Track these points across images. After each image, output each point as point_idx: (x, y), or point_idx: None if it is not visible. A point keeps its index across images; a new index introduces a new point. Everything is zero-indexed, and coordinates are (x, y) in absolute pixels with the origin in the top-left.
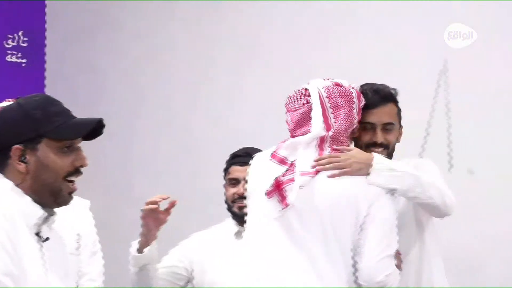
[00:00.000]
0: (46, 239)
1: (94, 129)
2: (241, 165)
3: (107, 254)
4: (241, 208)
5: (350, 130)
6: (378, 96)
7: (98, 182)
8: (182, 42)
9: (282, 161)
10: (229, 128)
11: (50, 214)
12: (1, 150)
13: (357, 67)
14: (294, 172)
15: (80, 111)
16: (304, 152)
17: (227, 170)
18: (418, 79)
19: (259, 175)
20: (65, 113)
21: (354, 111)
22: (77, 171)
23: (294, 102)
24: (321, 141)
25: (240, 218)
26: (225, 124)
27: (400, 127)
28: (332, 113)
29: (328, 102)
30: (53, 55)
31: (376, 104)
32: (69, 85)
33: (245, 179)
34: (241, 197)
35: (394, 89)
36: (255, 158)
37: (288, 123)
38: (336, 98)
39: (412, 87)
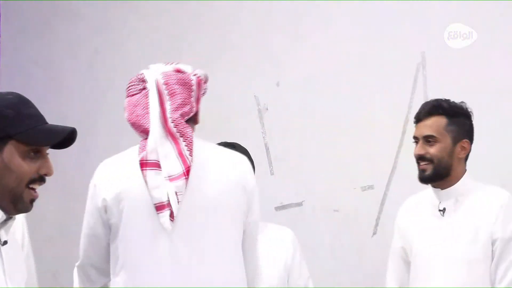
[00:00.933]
0: (5, 242)
1: (65, 138)
2: None
3: None
4: None
5: (187, 117)
6: (423, 110)
7: (55, 182)
8: (144, 35)
9: (157, 165)
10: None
11: (9, 217)
12: None
13: (327, 62)
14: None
15: (35, 104)
16: (163, 149)
17: None
18: (396, 74)
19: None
20: (38, 117)
21: (192, 99)
22: (40, 179)
23: (132, 87)
24: (171, 135)
25: None
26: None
27: (463, 141)
28: (169, 100)
29: (166, 89)
30: (8, 48)
31: (419, 118)
32: (24, 79)
33: None
34: None
35: (461, 103)
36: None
37: (125, 109)
38: (173, 85)
39: (390, 82)
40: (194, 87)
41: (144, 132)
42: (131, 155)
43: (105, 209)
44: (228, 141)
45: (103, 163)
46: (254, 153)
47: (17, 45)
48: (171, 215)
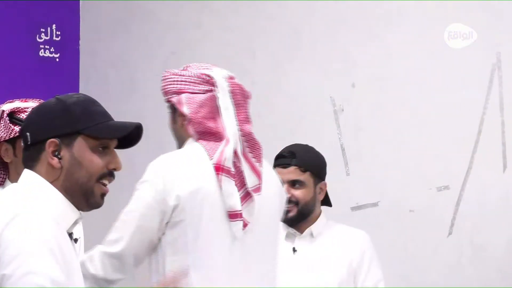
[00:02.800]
0: (76, 240)
1: (131, 135)
2: (282, 167)
3: None
4: (287, 211)
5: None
6: None
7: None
8: (218, 35)
9: (230, 173)
10: (268, 126)
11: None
12: (36, 143)
13: (401, 62)
14: (245, 187)
15: (112, 106)
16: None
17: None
18: (471, 74)
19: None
20: (104, 114)
21: (249, 113)
22: (110, 174)
23: (193, 84)
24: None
25: (288, 221)
26: (264, 122)
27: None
28: (235, 110)
29: (232, 97)
30: (87, 49)
31: None
32: (102, 79)
33: (288, 182)
34: (288, 201)
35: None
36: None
37: (181, 103)
38: (238, 95)
39: (465, 82)
40: (249, 101)
41: (206, 134)
42: (199, 156)
43: (175, 206)
44: (302, 143)
45: (166, 160)
46: (329, 153)
47: (95, 47)
48: (244, 226)
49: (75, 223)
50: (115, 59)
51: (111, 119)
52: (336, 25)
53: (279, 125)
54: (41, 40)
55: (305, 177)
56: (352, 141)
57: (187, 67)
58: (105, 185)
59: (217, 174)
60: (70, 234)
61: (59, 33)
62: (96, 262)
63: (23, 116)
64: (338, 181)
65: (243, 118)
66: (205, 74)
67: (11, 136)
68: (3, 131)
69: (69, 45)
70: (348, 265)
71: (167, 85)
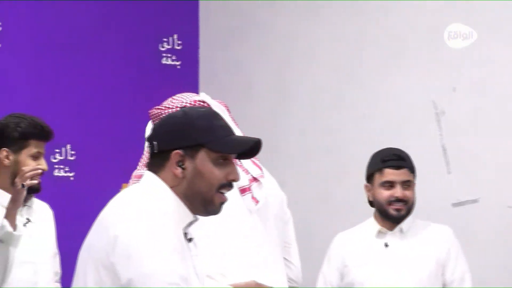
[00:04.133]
0: (190, 240)
1: (251, 148)
2: (395, 168)
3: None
4: (398, 210)
5: None
6: None
7: None
8: (328, 43)
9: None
10: (373, 128)
11: (195, 218)
12: (162, 153)
13: (501, 66)
14: (250, 174)
15: (230, 111)
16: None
17: (378, 172)
18: None
19: None
20: (227, 128)
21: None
22: (229, 184)
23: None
24: None
25: (398, 218)
26: (369, 124)
27: None
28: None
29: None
30: (206, 57)
31: None
32: (220, 85)
33: (401, 182)
34: (398, 199)
35: None
36: None
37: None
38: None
39: None
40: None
41: None
42: None
43: None
44: (395, 147)
45: None
46: (430, 153)
47: (214, 55)
48: (255, 201)
49: (190, 224)
50: (232, 66)
51: (232, 133)
52: (437, 32)
53: (383, 126)
54: (164, 49)
55: (412, 178)
56: (452, 141)
57: (175, 99)
58: (223, 194)
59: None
60: (185, 234)
61: (180, 42)
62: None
63: None
64: (440, 179)
65: (235, 124)
66: (198, 100)
67: None
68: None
69: (189, 53)
70: (436, 259)
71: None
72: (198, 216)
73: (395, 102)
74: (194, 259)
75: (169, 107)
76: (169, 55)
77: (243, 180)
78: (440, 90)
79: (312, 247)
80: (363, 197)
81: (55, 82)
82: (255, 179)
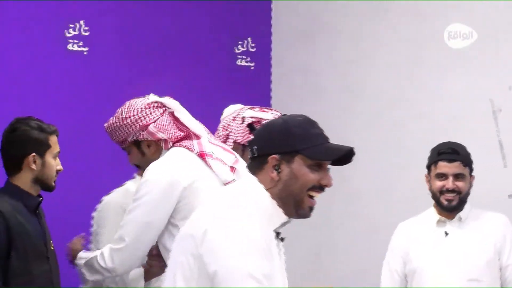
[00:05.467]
0: (283, 239)
1: (344, 156)
2: (449, 161)
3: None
4: (449, 200)
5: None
6: None
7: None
8: (391, 43)
9: (213, 156)
10: (433, 124)
11: (288, 219)
12: (260, 157)
13: None
14: (227, 164)
15: (300, 109)
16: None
17: (434, 164)
18: None
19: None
20: (322, 136)
21: None
22: (320, 188)
23: (150, 114)
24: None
25: (450, 209)
26: (429, 121)
27: None
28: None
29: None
30: (278, 58)
31: None
32: (291, 86)
33: (453, 174)
34: (449, 190)
35: None
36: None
37: (153, 133)
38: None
39: None
40: None
41: (180, 141)
42: (184, 153)
43: (180, 197)
44: (456, 142)
45: (164, 162)
46: (487, 149)
47: (285, 57)
48: None
49: (283, 224)
50: (303, 67)
51: (327, 140)
52: (495, 32)
53: (443, 123)
54: (238, 51)
55: (466, 171)
56: (509, 137)
57: (127, 109)
58: (313, 197)
59: (203, 159)
60: (278, 234)
61: (254, 45)
62: (106, 256)
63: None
64: (496, 173)
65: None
66: (152, 102)
67: (245, 142)
68: (240, 135)
69: (262, 55)
70: (494, 246)
71: (125, 130)
72: (291, 219)
73: (455, 100)
74: (283, 259)
75: (124, 118)
76: (243, 57)
77: (227, 174)
78: (497, 89)
79: (377, 237)
80: (423, 189)
81: (135, 85)
82: (232, 169)
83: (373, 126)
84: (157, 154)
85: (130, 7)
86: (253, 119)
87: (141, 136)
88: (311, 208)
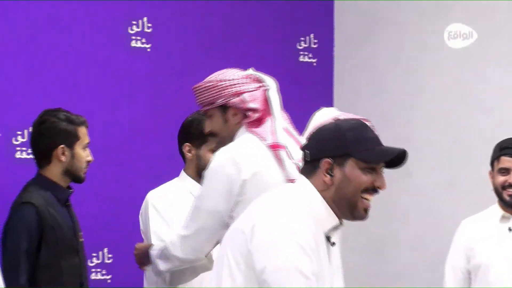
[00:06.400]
0: (333, 244)
1: (398, 158)
2: (510, 156)
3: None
4: (511, 195)
5: None
6: None
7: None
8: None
9: (284, 148)
10: (497, 119)
11: (341, 223)
12: (314, 160)
13: None
14: (293, 160)
15: (362, 105)
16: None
17: (496, 159)
18: None
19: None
20: (375, 140)
21: None
22: (374, 190)
23: (247, 84)
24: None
25: (508, 204)
26: (493, 116)
27: None
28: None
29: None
30: (340, 54)
31: None
32: (353, 82)
33: None
34: (511, 185)
35: None
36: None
37: (246, 101)
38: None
39: None
40: None
41: (260, 122)
42: (255, 142)
43: (242, 187)
44: None
45: (231, 149)
46: None
47: (348, 53)
48: None
49: (335, 228)
50: (365, 63)
51: (380, 144)
52: None
53: (507, 118)
54: (301, 48)
55: None
56: None
57: (224, 74)
58: (367, 199)
59: (275, 151)
60: (328, 238)
61: (316, 41)
62: (176, 243)
63: None
64: None
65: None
66: (251, 74)
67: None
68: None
69: (325, 51)
70: None
71: (217, 92)
72: (344, 222)
73: None
74: (333, 263)
75: (220, 80)
76: (305, 53)
77: (291, 170)
78: None
79: (440, 233)
80: (488, 185)
81: (198, 82)
82: (297, 166)
83: (437, 123)
84: (238, 126)
85: (192, 3)
86: None
87: (232, 102)
88: (366, 210)
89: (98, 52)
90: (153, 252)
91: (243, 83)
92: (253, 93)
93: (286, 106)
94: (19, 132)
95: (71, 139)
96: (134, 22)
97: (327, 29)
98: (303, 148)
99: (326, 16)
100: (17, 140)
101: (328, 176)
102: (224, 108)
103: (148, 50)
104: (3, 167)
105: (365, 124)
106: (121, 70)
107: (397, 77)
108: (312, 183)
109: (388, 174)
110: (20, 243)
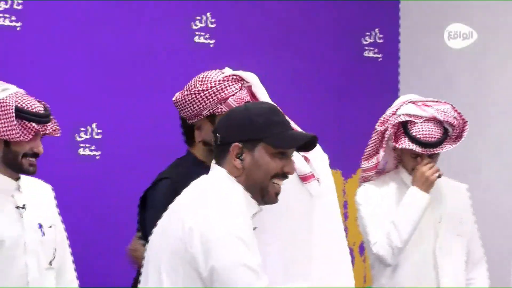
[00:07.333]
0: (255, 228)
1: (309, 143)
2: None
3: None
4: None
5: None
6: None
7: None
8: None
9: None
10: None
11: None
12: (223, 144)
13: None
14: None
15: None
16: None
17: None
18: None
19: None
20: (284, 124)
21: None
22: (283, 175)
23: (228, 87)
24: None
25: None
26: None
27: None
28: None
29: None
30: (406, 49)
31: None
32: (419, 76)
33: None
34: None
35: None
36: None
37: (232, 106)
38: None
39: None
40: None
41: None
42: None
43: None
44: None
45: None
46: None
47: (414, 47)
48: (318, 181)
49: (255, 214)
50: (431, 57)
51: (290, 128)
52: None
53: None
54: (366, 43)
55: None
56: None
57: (202, 81)
58: (278, 184)
59: None
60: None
61: (381, 36)
62: None
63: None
64: None
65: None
66: (230, 75)
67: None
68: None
69: (390, 46)
70: None
71: (201, 103)
72: (262, 207)
73: None
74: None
75: (201, 90)
76: (371, 48)
77: (304, 168)
78: None
79: (508, 228)
80: None
81: (262, 76)
82: (306, 159)
83: (505, 115)
84: None
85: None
86: (407, 118)
87: (218, 110)
88: (276, 194)
89: (162, 48)
90: None
91: (224, 87)
92: (237, 94)
93: (351, 101)
94: (82, 129)
95: None
96: (198, 18)
97: (392, 23)
98: (214, 131)
99: (392, 11)
100: (80, 137)
101: (237, 160)
102: (212, 116)
103: (212, 45)
104: (66, 164)
105: (276, 108)
106: (184, 66)
107: (465, 70)
108: (226, 169)
109: (456, 169)
110: None
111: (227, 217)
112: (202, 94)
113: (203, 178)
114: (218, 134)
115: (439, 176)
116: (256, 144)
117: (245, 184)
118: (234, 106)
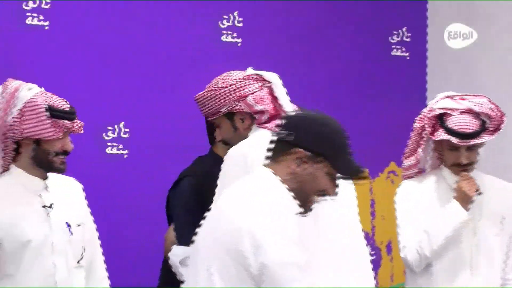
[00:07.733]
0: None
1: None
2: None
3: None
4: None
5: None
6: None
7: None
8: None
9: None
10: None
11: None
12: (287, 143)
13: None
14: None
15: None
16: None
17: None
18: None
19: None
20: (350, 151)
21: None
22: (324, 196)
23: (249, 86)
24: None
25: None
26: None
27: None
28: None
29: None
30: (434, 48)
31: None
32: (447, 75)
33: None
34: None
35: None
36: None
37: (251, 105)
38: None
39: None
40: None
41: (270, 120)
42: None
43: None
44: None
45: (245, 144)
46: None
47: (441, 46)
48: None
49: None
50: (459, 57)
51: (351, 155)
52: None
53: None
54: (393, 41)
55: None
56: None
57: (224, 79)
58: (316, 200)
59: None
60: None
61: (409, 35)
62: None
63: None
64: None
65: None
66: (251, 75)
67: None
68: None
69: (418, 45)
70: None
71: (220, 100)
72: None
73: None
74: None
75: (221, 87)
76: (398, 47)
77: None
78: None
79: None
80: None
81: (288, 75)
82: None
83: None
84: (248, 130)
85: None
86: (443, 111)
87: (237, 108)
88: (309, 207)
89: (189, 46)
90: (174, 257)
91: (244, 86)
92: (256, 94)
93: (379, 99)
94: (110, 128)
95: None
96: (225, 17)
97: (420, 22)
98: (286, 128)
99: (419, 9)
100: (107, 136)
101: (295, 165)
102: (231, 114)
103: (239, 44)
104: (94, 163)
105: (345, 131)
106: (212, 65)
107: (493, 69)
108: (275, 169)
109: (485, 168)
110: None
111: (276, 215)
112: (221, 91)
113: (249, 178)
114: (292, 132)
115: (478, 194)
116: (322, 159)
117: (293, 188)
118: (252, 104)
